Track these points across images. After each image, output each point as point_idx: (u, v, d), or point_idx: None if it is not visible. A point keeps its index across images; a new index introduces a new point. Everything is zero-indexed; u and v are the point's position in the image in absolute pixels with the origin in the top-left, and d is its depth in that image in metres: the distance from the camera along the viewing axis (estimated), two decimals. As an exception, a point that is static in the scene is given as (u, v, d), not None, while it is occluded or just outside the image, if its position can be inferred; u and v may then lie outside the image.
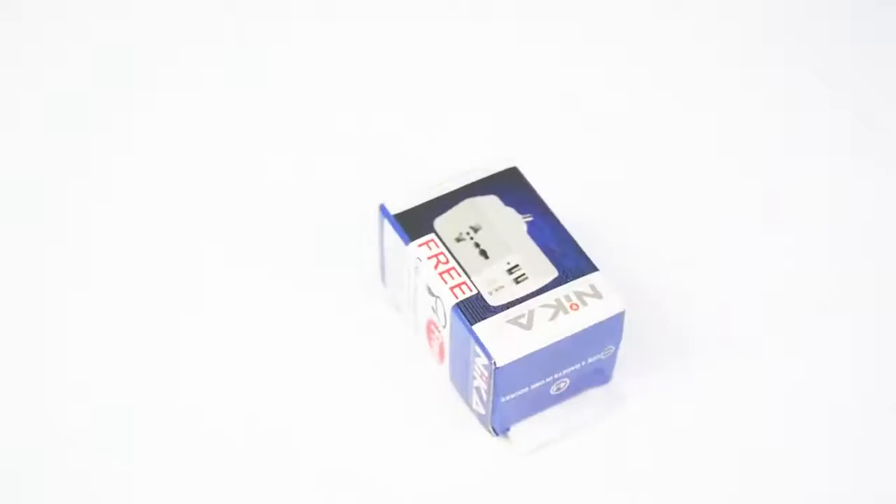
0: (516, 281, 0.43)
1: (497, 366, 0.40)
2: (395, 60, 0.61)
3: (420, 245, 0.44)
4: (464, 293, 0.42)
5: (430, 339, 0.45)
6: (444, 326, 0.43)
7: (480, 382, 0.42)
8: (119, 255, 0.52)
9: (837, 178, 0.56)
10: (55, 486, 0.43)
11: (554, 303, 0.42)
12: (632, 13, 0.63)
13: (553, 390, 0.44)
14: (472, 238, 0.44)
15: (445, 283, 0.42)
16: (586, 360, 0.43)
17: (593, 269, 0.43)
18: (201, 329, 0.49)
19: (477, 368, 0.42)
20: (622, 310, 0.42)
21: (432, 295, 0.43)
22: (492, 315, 0.42)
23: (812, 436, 0.47)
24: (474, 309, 0.42)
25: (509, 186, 0.46)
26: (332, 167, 0.55)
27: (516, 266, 0.43)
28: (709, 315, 0.50)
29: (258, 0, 0.63)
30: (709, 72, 0.61)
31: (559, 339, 0.41)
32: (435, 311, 0.43)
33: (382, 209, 0.45)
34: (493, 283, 0.43)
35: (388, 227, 0.45)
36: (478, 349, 0.41)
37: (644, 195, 0.55)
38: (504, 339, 0.41)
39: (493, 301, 0.42)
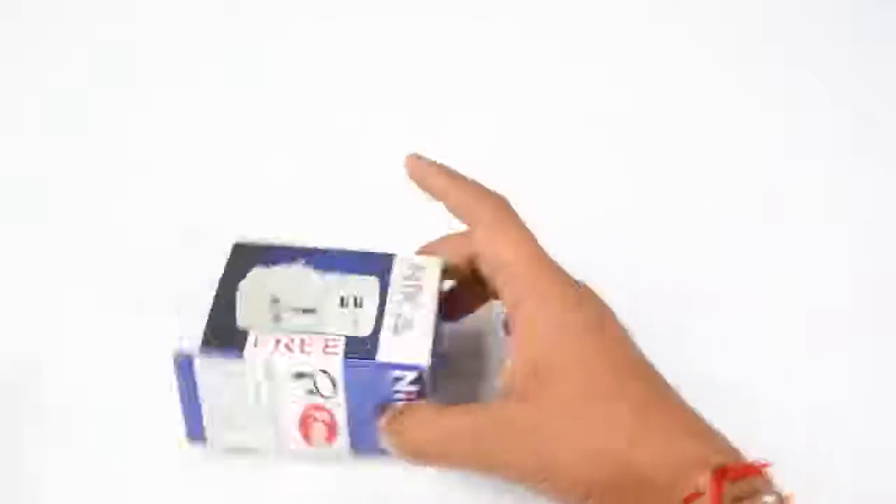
0: (357, 305, 0.41)
1: (424, 367, 0.40)
2: (394, 60, 0.61)
3: (256, 347, 0.40)
4: (336, 344, 0.40)
5: (306, 431, 0.42)
6: (335, 394, 0.41)
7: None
8: (120, 255, 0.52)
9: (837, 178, 0.57)
10: (55, 486, 0.43)
11: (403, 295, 0.42)
12: (632, 13, 0.64)
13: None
14: (279, 308, 0.42)
15: (310, 353, 0.40)
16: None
17: (390, 255, 0.43)
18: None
19: (400, 393, 0.40)
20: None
21: (304, 376, 0.40)
22: (376, 341, 0.40)
23: (812, 436, 0.47)
24: (357, 347, 0.40)
25: (251, 256, 0.43)
26: (333, 166, 0.55)
27: (343, 297, 0.42)
28: (709, 315, 0.50)
29: (258, 0, 0.63)
30: (709, 72, 0.61)
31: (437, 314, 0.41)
32: (315, 390, 0.41)
33: (181, 355, 0.40)
34: (344, 323, 0.41)
35: (206, 361, 0.40)
36: (395, 373, 0.40)
37: (644, 195, 0.55)
38: (406, 346, 0.40)
39: (361, 332, 0.41)
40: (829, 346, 0.50)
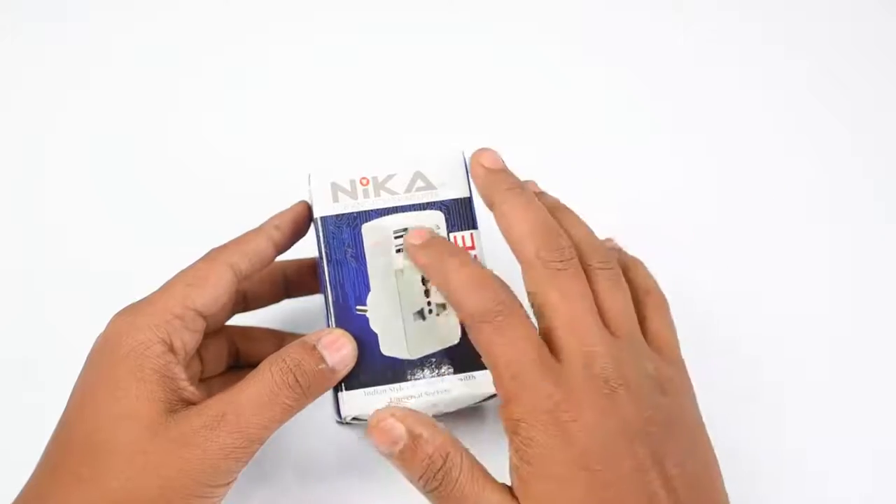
0: None
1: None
2: (395, 61, 0.61)
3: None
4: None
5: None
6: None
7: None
8: (134, 251, 0.53)
9: (837, 178, 0.57)
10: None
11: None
12: (631, 14, 0.63)
13: None
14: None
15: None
16: None
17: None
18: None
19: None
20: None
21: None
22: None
23: (810, 436, 0.48)
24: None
25: None
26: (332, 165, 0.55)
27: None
28: (709, 315, 0.51)
29: (260, 1, 0.63)
30: (709, 72, 0.60)
31: None
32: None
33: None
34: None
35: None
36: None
37: (643, 195, 0.56)
38: None
39: None
40: (828, 345, 0.51)
